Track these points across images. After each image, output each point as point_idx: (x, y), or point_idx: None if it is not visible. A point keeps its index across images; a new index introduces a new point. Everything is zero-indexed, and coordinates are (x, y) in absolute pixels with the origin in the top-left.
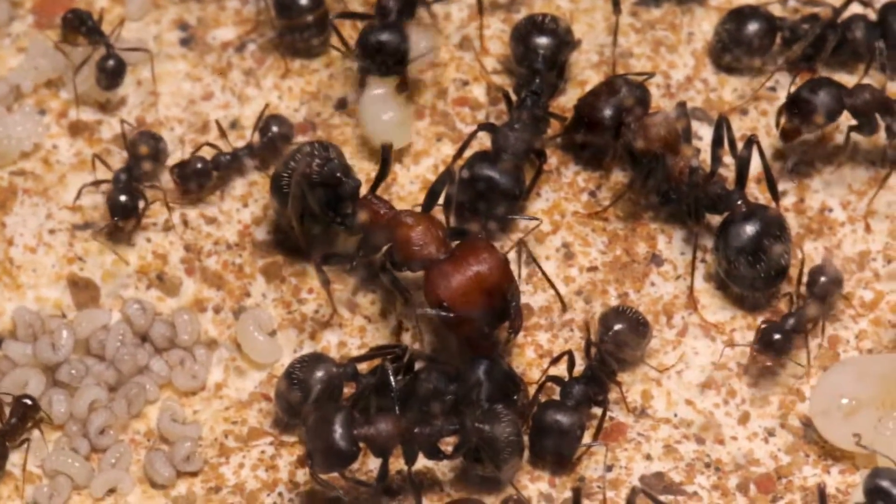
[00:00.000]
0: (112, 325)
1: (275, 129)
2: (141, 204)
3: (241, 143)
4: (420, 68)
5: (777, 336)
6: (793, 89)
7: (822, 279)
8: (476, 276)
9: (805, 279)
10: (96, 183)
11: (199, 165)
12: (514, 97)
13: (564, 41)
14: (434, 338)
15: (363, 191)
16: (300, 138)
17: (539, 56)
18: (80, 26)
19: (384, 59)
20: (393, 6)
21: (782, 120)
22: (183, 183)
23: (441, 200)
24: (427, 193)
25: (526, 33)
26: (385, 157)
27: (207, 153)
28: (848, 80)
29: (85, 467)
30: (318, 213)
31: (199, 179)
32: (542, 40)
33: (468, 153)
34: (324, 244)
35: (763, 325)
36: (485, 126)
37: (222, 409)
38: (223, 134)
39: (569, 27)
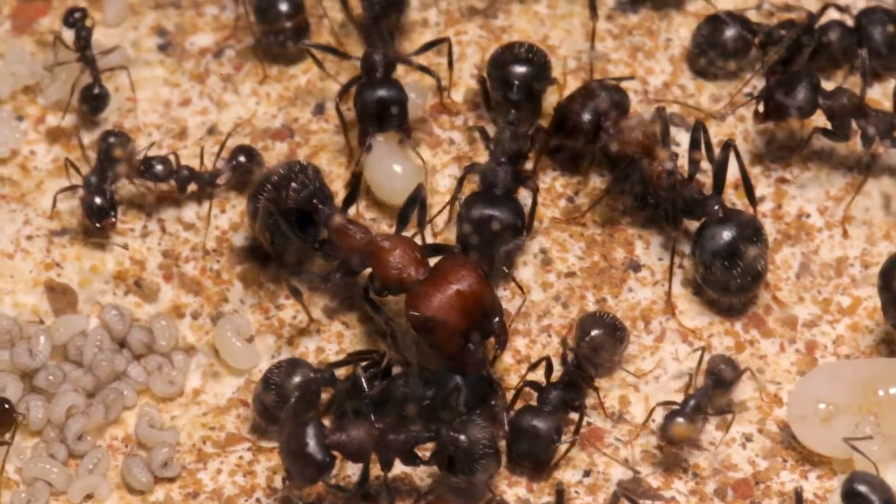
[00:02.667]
0: (90, 331)
1: (241, 158)
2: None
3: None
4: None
5: (679, 419)
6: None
7: (722, 367)
8: (457, 293)
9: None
10: (71, 188)
11: (160, 167)
12: (490, 131)
13: (542, 71)
14: (414, 347)
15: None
16: (278, 144)
17: (514, 87)
18: (79, 34)
19: (385, 115)
20: (379, 62)
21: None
22: (140, 175)
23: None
24: (399, 214)
25: (503, 63)
26: (354, 184)
27: (173, 160)
28: (824, 86)
29: (63, 473)
30: (292, 237)
31: (154, 178)
32: (520, 70)
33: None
34: (298, 258)
35: (665, 414)
36: (471, 167)
37: (200, 414)
38: (202, 157)
39: (546, 59)
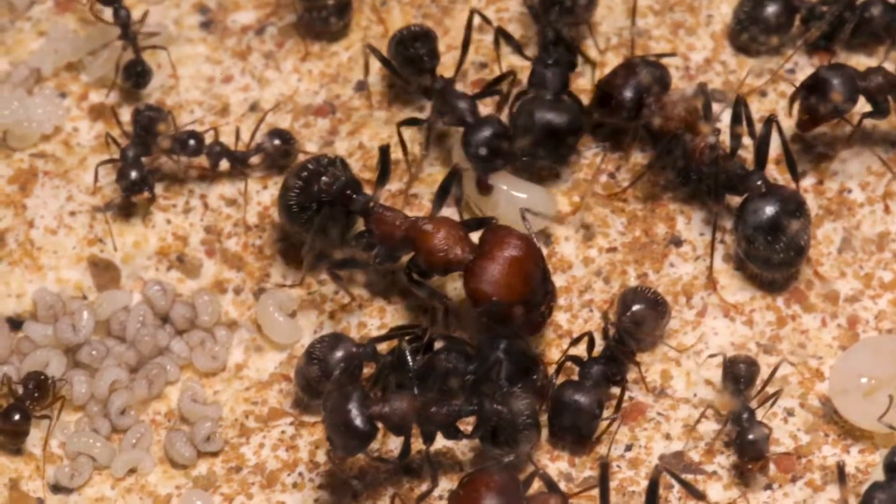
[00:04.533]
0: (132, 307)
1: (276, 142)
2: (151, 179)
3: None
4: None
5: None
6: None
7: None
8: (512, 262)
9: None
10: (110, 161)
11: (192, 142)
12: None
13: None
14: (456, 320)
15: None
16: (320, 121)
17: None
18: (117, 13)
19: (497, 154)
20: (465, 107)
21: (796, 110)
22: (170, 151)
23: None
24: (437, 193)
25: None
26: (384, 161)
27: (209, 137)
28: (866, 62)
29: (106, 448)
30: (336, 240)
31: (185, 152)
32: None
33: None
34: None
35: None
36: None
37: (242, 389)
38: (237, 135)
39: None
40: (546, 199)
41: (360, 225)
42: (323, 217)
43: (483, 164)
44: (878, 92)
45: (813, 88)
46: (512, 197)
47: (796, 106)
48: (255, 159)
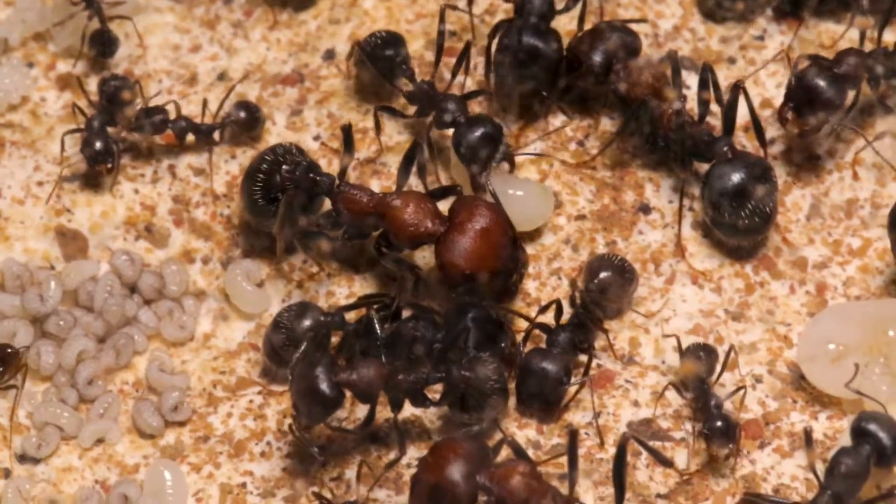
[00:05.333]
0: (100, 277)
1: (242, 114)
2: (115, 149)
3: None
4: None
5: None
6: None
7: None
8: (483, 233)
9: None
10: (76, 131)
11: (158, 118)
12: None
13: None
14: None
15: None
16: (288, 90)
17: None
18: None
19: (491, 151)
20: (455, 109)
21: (789, 118)
22: (136, 127)
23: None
24: (401, 164)
25: None
26: (347, 138)
27: (173, 111)
28: (835, 29)
29: (73, 418)
30: (307, 226)
31: (150, 128)
32: None
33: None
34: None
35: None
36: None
37: (210, 359)
38: (204, 108)
39: None
40: (543, 194)
41: (326, 204)
42: (286, 205)
43: (477, 163)
44: (855, 72)
45: (801, 101)
46: (508, 195)
47: (790, 116)
48: (217, 135)
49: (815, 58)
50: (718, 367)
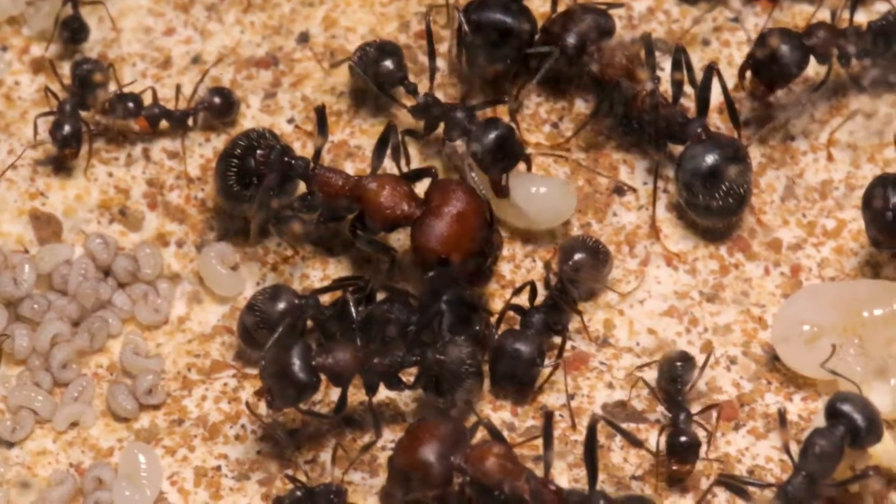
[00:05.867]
0: (74, 260)
1: (216, 99)
2: (83, 133)
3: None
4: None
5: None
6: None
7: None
8: (460, 218)
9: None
10: (49, 114)
11: (130, 103)
12: None
13: None
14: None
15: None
16: (262, 73)
17: None
18: None
19: (511, 153)
20: (464, 117)
21: (748, 81)
22: (108, 112)
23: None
24: (375, 146)
25: None
26: (322, 120)
27: (149, 97)
28: (809, 10)
29: (48, 401)
30: (281, 209)
31: (123, 113)
32: None
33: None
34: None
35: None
36: None
37: (185, 342)
38: (177, 97)
39: None
40: (565, 190)
41: (301, 188)
42: (264, 190)
43: (495, 167)
44: (824, 47)
45: (763, 59)
46: (531, 195)
47: (748, 75)
48: (191, 120)
49: (786, 29)
50: (695, 375)
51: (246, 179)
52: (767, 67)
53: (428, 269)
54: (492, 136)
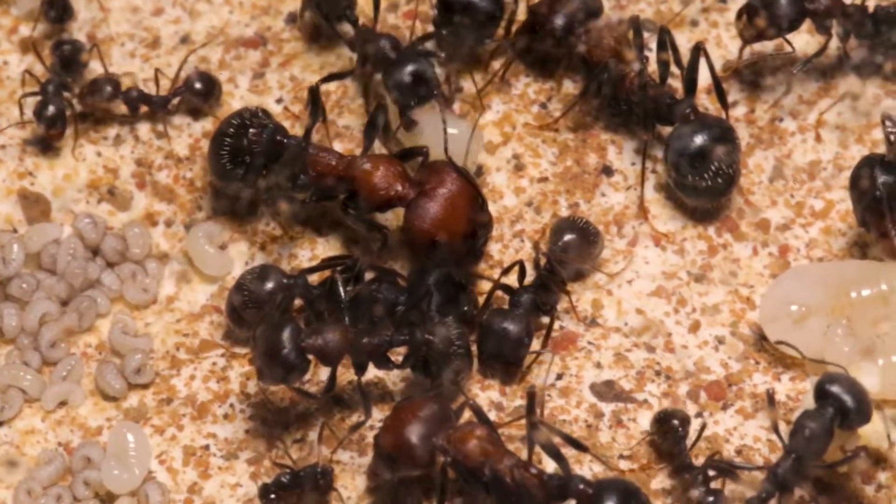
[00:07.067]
0: (63, 240)
1: (198, 85)
2: (68, 113)
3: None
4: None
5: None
6: None
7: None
8: (453, 198)
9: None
10: (33, 94)
11: (109, 88)
12: None
13: None
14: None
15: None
16: (251, 53)
17: None
18: None
19: (420, 88)
20: (389, 46)
21: (742, 20)
22: (85, 98)
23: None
24: (366, 127)
25: None
26: (315, 99)
27: (127, 82)
28: None
29: (36, 380)
30: (280, 187)
31: (99, 101)
32: None
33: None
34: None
35: None
36: None
37: (174, 321)
38: (157, 81)
39: None
40: (476, 134)
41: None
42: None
43: (406, 98)
44: (824, 14)
45: (757, 4)
46: (439, 132)
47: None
48: (175, 102)
49: None
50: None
51: (239, 157)
52: (759, 12)
53: (420, 250)
54: (407, 67)
